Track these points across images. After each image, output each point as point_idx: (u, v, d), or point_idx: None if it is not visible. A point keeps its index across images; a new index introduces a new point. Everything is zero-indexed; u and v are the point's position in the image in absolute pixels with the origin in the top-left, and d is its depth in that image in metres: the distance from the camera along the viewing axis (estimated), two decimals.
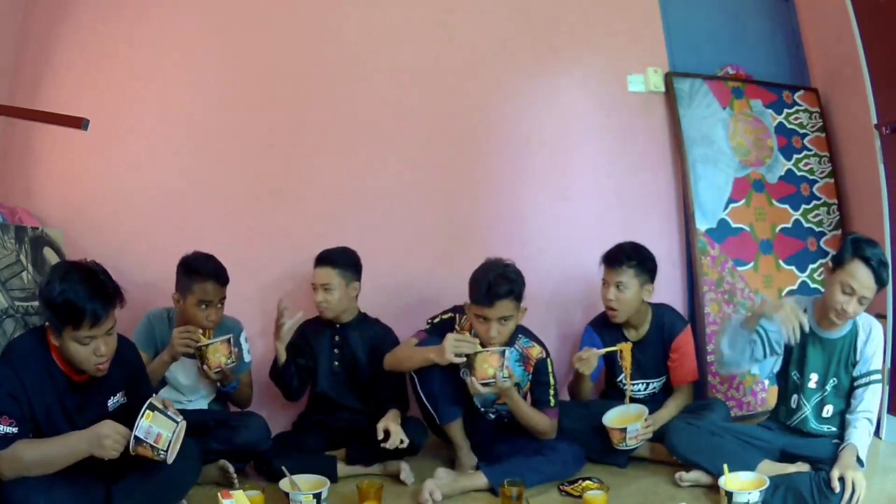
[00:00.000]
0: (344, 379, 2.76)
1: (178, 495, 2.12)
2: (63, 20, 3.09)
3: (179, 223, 3.00)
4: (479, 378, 2.36)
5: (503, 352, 2.39)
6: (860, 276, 2.23)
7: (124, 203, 3.04)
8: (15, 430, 1.80)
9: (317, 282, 2.72)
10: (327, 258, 2.73)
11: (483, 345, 2.42)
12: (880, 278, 2.22)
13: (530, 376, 2.61)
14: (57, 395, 1.90)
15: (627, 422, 2.49)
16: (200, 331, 2.47)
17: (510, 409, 2.54)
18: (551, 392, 2.60)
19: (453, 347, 2.38)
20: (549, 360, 2.62)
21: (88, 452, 1.82)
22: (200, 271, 2.52)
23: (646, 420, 2.50)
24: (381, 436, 2.45)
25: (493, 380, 2.36)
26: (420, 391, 2.52)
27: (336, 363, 2.76)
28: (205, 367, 2.45)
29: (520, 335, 2.62)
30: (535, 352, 2.61)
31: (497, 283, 2.41)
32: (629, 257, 2.70)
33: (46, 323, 1.89)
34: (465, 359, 2.39)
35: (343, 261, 2.74)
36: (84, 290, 1.82)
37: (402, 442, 2.45)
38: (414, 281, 3.12)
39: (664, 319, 2.79)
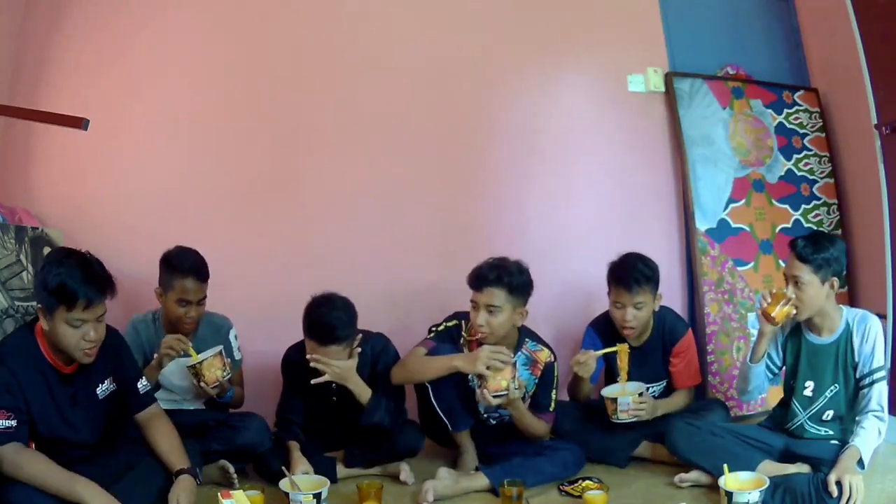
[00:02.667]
0: (345, 406, 2.59)
1: None
2: (63, 20, 3.09)
3: (179, 223, 3.00)
4: (491, 390, 2.35)
5: (515, 363, 2.41)
6: (787, 260, 2.36)
7: (124, 203, 3.04)
8: (13, 422, 1.83)
9: (328, 361, 2.40)
10: (336, 335, 2.37)
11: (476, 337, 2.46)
12: (801, 255, 2.29)
13: (537, 380, 2.60)
14: (48, 389, 1.93)
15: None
16: (191, 344, 2.45)
17: (512, 416, 2.54)
18: (553, 396, 2.61)
19: (488, 360, 2.34)
20: (555, 364, 2.63)
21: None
22: (179, 268, 2.51)
23: (641, 396, 2.51)
24: None
25: (506, 392, 2.37)
26: (435, 401, 2.46)
27: (334, 398, 2.58)
28: (202, 384, 2.43)
29: (526, 339, 2.62)
30: (544, 356, 2.61)
31: (487, 269, 2.48)
32: (646, 278, 2.62)
33: (39, 306, 1.90)
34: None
35: (350, 328, 2.43)
36: (79, 273, 1.87)
37: None
38: (414, 283, 3.12)
39: (665, 323, 2.77)
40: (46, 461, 1.84)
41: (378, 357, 2.60)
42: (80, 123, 2.34)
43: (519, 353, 2.57)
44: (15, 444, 1.83)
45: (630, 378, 2.67)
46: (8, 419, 1.82)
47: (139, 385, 2.14)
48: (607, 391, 2.57)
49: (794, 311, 2.32)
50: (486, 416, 2.67)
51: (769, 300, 2.34)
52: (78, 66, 3.06)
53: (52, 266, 1.89)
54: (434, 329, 2.61)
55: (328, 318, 2.38)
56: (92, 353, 1.94)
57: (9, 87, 3.06)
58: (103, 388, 2.07)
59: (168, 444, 2.09)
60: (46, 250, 2.78)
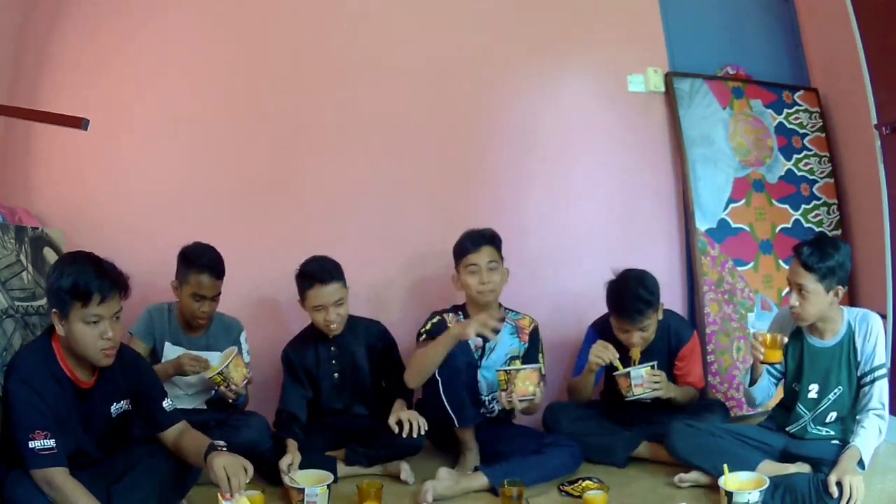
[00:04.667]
0: (346, 387, 2.72)
1: (178, 495, 2.12)
2: (63, 20, 3.09)
3: (179, 223, 3.00)
4: (519, 394, 2.39)
5: (540, 369, 2.47)
6: (791, 267, 2.32)
7: (124, 203, 3.04)
8: (52, 441, 1.81)
9: (326, 301, 2.58)
10: (331, 274, 2.60)
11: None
12: (807, 264, 2.25)
13: (526, 345, 2.71)
14: (66, 404, 1.90)
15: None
16: (212, 366, 2.50)
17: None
18: (541, 360, 2.70)
19: (480, 327, 2.39)
20: (538, 327, 2.76)
21: None
22: (196, 263, 2.57)
23: (653, 368, 2.53)
24: (396, 429, 2.47)
25: (533, 396, 2.41)
26: (443, 394, 2.48)
27: (336, 374, 2.71)
28: (232, 387, 2.47)
29: (507, 310, 2.74)
30: (527, 322, 2.75)
31: (477, 232, 2.65)
32: (648, 303, 2.57)
33: (54, 310, 1.87)
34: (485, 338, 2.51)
35: (341, 271, 2.65)
36: (91, 270, 1.87)
37: (419, 428, 2.47)
38: (414, 283, 3.12)
39: (670, 327, 2.75)
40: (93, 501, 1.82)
41: (375, 339, 2.75)
42: (80, 123, 2.34)
43: (505, 322, 2.68)
44: (63, 469, 1.81)
45: None
46: (46, 438, 1.80)
47: (165, 404, 2.09)
48: (618, 372, 2.56)
49: (786, 340, 2.32)
50: (483, 410, 2.69)
51: (762, 351, 2.30)
52: (78, 65, 3.06)
53: (63, 267, 1.88)
54: (423, 332, 2.64)
55: (321, 263, 2.63)
56: (111, 353, 1.91)
57: (9, 87, 3.07)
58: (117, 408, 2.04)
59: (199, 442, 2.04)
60: (46, 250, 2.78)
